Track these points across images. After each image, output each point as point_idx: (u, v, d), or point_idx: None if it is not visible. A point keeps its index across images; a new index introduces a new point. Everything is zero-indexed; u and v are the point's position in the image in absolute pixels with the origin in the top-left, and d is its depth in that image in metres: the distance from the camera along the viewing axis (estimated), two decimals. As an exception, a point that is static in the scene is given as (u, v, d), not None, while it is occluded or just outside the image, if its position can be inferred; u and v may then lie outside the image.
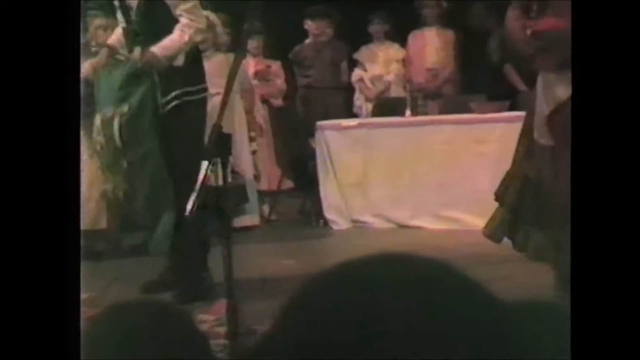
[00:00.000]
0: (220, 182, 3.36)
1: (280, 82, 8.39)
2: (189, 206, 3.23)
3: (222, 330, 3.45)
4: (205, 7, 7.17)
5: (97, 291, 4.61)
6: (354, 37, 8.64)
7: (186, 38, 4.94)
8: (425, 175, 7.10)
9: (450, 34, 8.44)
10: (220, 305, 3.47)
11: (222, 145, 3.32)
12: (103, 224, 6.42)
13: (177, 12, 4.93)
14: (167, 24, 4.92)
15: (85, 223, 5.90)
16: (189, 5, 4.97)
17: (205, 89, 5.16)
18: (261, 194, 7.69)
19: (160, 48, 4.90)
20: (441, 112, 7.71)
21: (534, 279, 4.68)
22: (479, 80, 8.17)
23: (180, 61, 4.98)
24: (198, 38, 5.10)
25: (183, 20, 4.93)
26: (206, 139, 4.23)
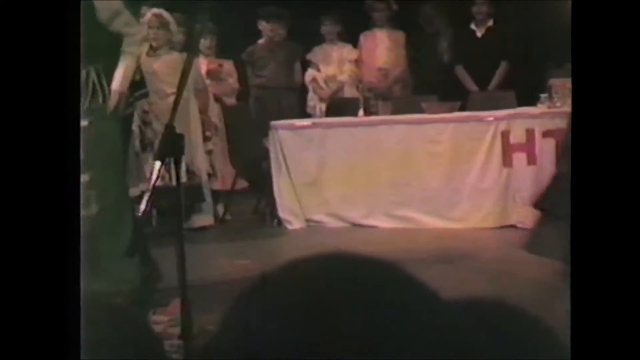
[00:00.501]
0: (174, 182, 3.33)
1: (232, 81, 8.37)
2: (142, 206, 3.19)
3: (176, 330, 3.44)
4: (158, 6, 7.19)
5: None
6: (307, 37, 8.67)
7: (134, 59, 4.95)
8: (378, 175, 7.15)
9: (400, 35, 8.52)
10: (175, 306, 3.44)
11: (175, 145, 3.30)
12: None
13: (115, 29, 4.86)
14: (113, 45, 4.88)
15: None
16: (122, 19, 4.88)
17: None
18: (216, 193, 7.66)
19: (119, 84, 4.88)
20: (393, 112, 7.77)
21: (489, 278, 4.72)
22: (430, 80, 8.26)
23: None
24: (143, 48, 5.06)
25: (125, 38, 4.88)
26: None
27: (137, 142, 7.09)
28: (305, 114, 8.50)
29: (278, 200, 7.47)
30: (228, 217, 7.91)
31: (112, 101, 4.90)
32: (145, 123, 7.14)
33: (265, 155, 7.63)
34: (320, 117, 8.27)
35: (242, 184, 8.11)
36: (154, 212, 6.97)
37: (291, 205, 7.43)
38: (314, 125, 7.62)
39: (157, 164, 3.30)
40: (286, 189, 7.45)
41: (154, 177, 3.18)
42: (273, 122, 7.61)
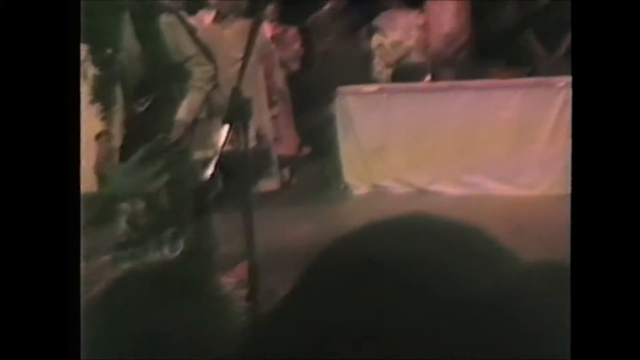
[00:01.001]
0: (242, 146, 3.38)
1: (297, 46, 8.38)
2: (209, 170, 3.37)
3: (243, 293, 3.48)
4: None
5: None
6: (373, 3, 8.60)
7: (203, 95, 5.06)
8: (445, 141, 7.10)
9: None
10: (241, 268, 3.50)
11: (243, 109, 3.31)
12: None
13: (187, 67, 4.96)
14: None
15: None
16: (195, 60, 4.98)
17: None
18: (281, 158, 7.68)
19: (185, 114, 4.98)
20: (460, 78, 7.69)
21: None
22: (498, 45, 8.14)
23: None
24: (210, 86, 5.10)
25: (195, 74, 4.98)
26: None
27: (203, 108, 7.14)
28: (371, 80, 8.45)
29: (344, 165, 7.47)
30: (294, 181, 7.93)
31: (177, 131, 4.98)
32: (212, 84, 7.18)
33: (330, 121, 7.63)
34: (387, 83, 8.22)
35: (308, 149, 8.14)
36: (220, 176, 7.06)
37: (357, 170, 7.44)
38: (380, 91, 7.59)
39: (226, 127, 3.34)
40: (352, 155, 7.45)
41: (223, 141, 3.23)
42: (339, 88, 7.59)
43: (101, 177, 6.88)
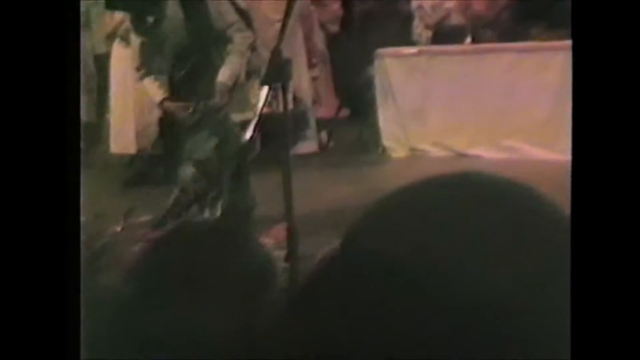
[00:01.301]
0: (281, 109, 3.33)
1: (336, 7, 8.34)
2: (248, 133, 3.41)
3: (281, 254, 3.48)
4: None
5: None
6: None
7: (244, 59, 5.18)
8: (485, 104, 7.03)
9: (510, -41, 8.27)
10: (280, 230, 3.50)
11: (282, 71, 3.29)
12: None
13: (228, 34, 5.09)
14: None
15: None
16: (235, 27, 5.13)
17: None
18: (320, 120, 7.67)
19: (227, 78, 5.09)
20: (501, 40, 7.59)
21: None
22: (539, 7, 8.00)
23: None
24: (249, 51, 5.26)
25: (236, 39, 5.11)
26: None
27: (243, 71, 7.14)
28: (410, 42, 8.37)
29: (382, 128, 7.44)
30: (332, 144, 7.90)
31: (220, 96, 5.07)
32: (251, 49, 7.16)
33: (369, 83, 7.58)
34: (426, 45, 8.14)
35: (346, 111, 8.09)
36: (259, 138, 7.06)
37: (396, 133, 7.40)
38: (420, 53, 7.52)
39: (265, 89, 3.32)
40: (391, 117, 7.41)
41: (262, 103, 3.21)
42: (378, 50, 7.53)
43: (149, 141, 7.02)
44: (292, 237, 3.19)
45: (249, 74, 7.16)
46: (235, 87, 5.30)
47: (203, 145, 5.17)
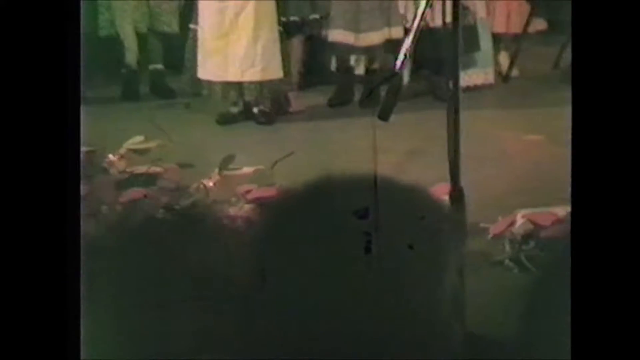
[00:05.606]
0: (439, 22, 3.35)
1: None
2: (400, 57, 2.87)
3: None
4: None
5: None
6: None
7: None
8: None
9: None
10: (442, 189, 3.05)
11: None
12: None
13: None
14: None
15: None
16: None
17: None
18: (497, 38, 6.72)
19: None
20: None
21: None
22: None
23: None
24: None
25: None
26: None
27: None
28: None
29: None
30: (515, 73, 6.88)
31: None
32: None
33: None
34: None
35: (540, 24, 6.83)
36: (409, 65, 5.89)
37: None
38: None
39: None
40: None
41: (419, 15, 2.88)
42: None
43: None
44: (457, 200, 2.95)
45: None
46: None
47: None
